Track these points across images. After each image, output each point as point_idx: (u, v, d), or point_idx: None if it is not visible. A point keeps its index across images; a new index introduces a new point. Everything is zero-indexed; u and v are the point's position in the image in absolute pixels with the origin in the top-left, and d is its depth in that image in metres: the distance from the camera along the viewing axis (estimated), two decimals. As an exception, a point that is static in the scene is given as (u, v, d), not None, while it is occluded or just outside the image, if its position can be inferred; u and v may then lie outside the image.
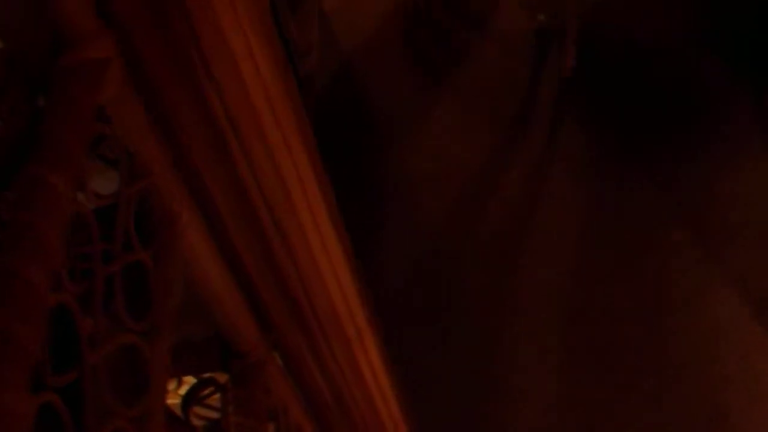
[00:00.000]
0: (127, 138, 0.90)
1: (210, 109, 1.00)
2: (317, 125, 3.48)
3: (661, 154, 3.16)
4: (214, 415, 1.27)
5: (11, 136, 0.83)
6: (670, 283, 2.85)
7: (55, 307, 0.72)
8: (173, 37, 0.92)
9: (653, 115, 3.19)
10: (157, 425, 0.85)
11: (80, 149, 0.78)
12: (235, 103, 1.02)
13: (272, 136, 1.09)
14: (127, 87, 0.90)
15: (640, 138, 3.15)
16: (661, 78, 3.30)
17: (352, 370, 1.39)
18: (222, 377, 1.23)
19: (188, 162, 1.02)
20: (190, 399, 1.18)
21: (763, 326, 2.69)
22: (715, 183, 3.07)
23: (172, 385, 1.28)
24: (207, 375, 1.20)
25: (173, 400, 1.26)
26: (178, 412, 1.22)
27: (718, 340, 2.70)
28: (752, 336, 2.68)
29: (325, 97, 3.59)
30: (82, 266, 0.84)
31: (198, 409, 1.26)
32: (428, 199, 3.25)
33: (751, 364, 2.64)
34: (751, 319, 2.72)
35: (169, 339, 0.91)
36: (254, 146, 1.07)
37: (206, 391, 1.19)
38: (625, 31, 3.60)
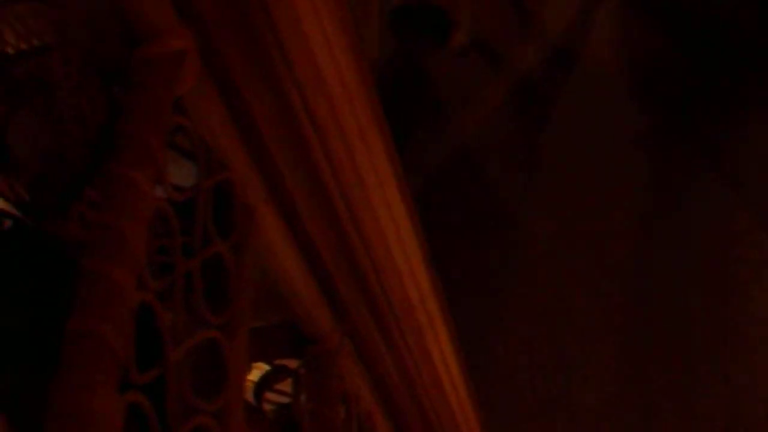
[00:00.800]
0: (204, 131, 0.90)
1: (289, 103, 0.99)
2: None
3: (718, 131, 3.10)
4: (284, 399, 1.28)
5: (91, 130, 0.83)
6: (730, 269, 2.80)
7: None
8: (252, 30, 0.91)
9: (711, 90, 3.12)
10: (237, 419, 0.85)
11: (160, 144, 0.78)
12: (314, 98, 1.01)
13: (350, 132, 1.09)
14: (204, 79, 0.89)
15: (698, 114, 3.09)
16: (716, 43, 3.21)
17: (423, 357, 1.38)
18: (293, 363, 1.23)
19: (266, 155, 1.01)
20: (263, 386, 1.18)
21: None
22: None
23: (245, 372, 1.29)
24: (279, 362, 1.21)
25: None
26: (248, 396, 1.23)
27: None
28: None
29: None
30: (161, 259, 0.84)
31: (268, 394, 1.27)
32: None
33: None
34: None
35: (246, 332, 0.91)
36: (333, 141, 1.07)
37: (280, 377, 1.20)
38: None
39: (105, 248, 0.68)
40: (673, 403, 2.65)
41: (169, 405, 0.74)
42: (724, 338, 2.71)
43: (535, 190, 3.16)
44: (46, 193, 0.80)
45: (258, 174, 1.00)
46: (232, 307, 0.89)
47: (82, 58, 0.82)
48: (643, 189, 2.98)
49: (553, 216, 3.09)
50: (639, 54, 3.37)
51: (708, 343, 2.71)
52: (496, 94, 3.42)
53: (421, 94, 3.54)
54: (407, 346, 1.33)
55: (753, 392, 2.58)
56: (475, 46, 3.26)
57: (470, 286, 2.97)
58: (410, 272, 1.27)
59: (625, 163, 3.05)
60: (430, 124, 3.43)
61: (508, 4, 3.46)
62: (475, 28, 3.26)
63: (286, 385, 1.26)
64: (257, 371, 1.27)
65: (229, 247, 0.92)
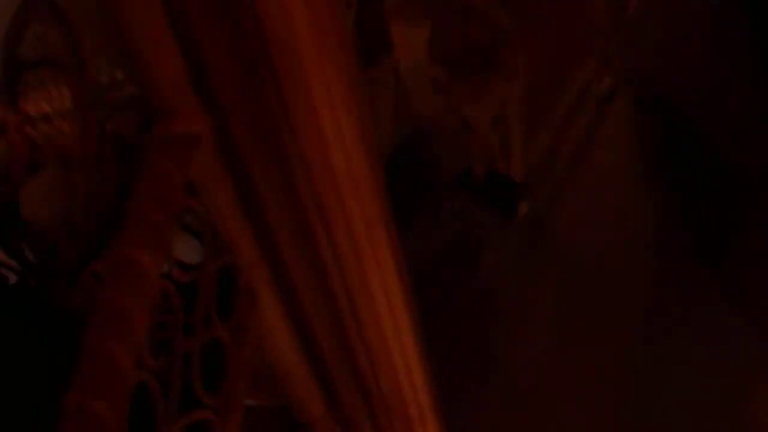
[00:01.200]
0: (213, 214, 0.91)
1: (297, 192, 1.01)
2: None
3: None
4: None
5: (102, 204, 0.84)
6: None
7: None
8: (265, 117, 0.93)
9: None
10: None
11: (169, 226, 0.79)
12: (323, 189, 1.03)
13: (357, 226, 1.09)
14: (217, 163, 0.91)
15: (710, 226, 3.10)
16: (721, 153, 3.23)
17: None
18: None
19: (271, 241, 1.02)
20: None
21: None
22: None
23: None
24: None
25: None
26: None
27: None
28: None
29: (397, 163, 3.62)
30: (160, 335, 0.84)
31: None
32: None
33: None
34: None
35: (240, 415, 0.91)
36: (338, 233, 1.07)
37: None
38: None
39: (107, 326, 0.68)
40: None
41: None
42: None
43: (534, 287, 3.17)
44: (55, 261, 0.81)
45: (262, 259, 1.01)
46: (228, 390, 0.89)
47: (100, 131, 0.84)
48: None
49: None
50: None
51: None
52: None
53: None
54: (396, 436, 1.32)
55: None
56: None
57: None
58: (405, 366, 1.27)
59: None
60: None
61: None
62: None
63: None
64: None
65: (230, 329, 0.92)
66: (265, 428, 1.21)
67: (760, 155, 3.17)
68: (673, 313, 2.84)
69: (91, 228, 0.81)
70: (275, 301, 1.04)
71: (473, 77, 2.84)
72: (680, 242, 3.05)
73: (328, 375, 1.17)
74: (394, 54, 3.87)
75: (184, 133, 0.85)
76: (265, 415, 1.21)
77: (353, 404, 1.23)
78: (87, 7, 0.83)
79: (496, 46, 2.82)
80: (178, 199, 0.82)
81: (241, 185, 0.95)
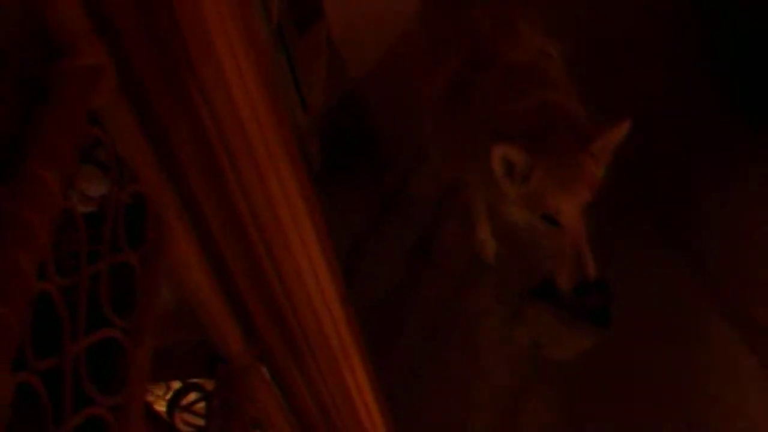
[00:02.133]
0: (118, 143, 0.94)
1: (201, 122, 1.04)
2: (323, 149, 3.50)
3: (665, 191, 3.19)
4: (202, 423, 1.31)
5: (3, 138, 0.87)
6: (668, 317, 2.88)
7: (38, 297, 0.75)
8: (165, 49, 0.96)
9: (658, 152, 3.22)
10: (136, 418, 0.88)
11: (71, 149, 0.82)
12: (225, 120, 1.06)
13: (260, 154, 1.13)
14: (119, 94, 0.94)
15: (645, 174, 3.18)
16: (661, 116, 3.33)
17: (337, 385, 1.41)
18: (210, 385, 1.27)
19: (179, 173, 1.06)
20: (173, 402, 1.21)
21: (759, 357, 2.73)
22: (714, 217, 3.12)
23: (160, 391, 1.31)
24: (193, 381, 1.24)
25: (162, 408, 1.30)
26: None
27: (717, 377, 2.73)
28: (750, 367, 2.71)
29: (332, 123, 3.66)
30: (68, 263, 0.88)
31: (187, 416, 1.30)
32: (423, 216, 3.31)
33: (748, 397, 2.66)
34: (749, 354, 2.76)
35: (151, 340, 0.94)
36: (243, 163, 1.11)
37: (191, 397, 1.23)
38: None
39: (8, 234, 0.72)
40: None
41: (64, 394, 0.77)
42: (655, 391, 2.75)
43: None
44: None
45: (172, 192, 1.05)
46: (138, 313, 0.92)
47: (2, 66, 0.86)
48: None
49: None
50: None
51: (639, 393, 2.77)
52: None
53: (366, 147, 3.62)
54: (320, 371, 1.36)
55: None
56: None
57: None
58: (321, 297, 1.31)
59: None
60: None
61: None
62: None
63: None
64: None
65: (139, 257, 0.96)
66: (184, 364, 1.25)
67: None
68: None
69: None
70: (186, 231, 1.07)
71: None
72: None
73: (244, 307, 1.21)
74: (325, 18, 3.91)
75: (85, 66, 0.88)
76: (184, 352, 1.25)
77: (272, 337, 1.27)
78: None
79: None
80: (81, 127, 0.85)
81: (147, 120, 0.99)
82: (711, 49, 3.70)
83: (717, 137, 3.36)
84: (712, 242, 3.07)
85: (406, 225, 3.33)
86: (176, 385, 1.26)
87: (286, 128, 1.16)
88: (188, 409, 1.29)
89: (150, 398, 1.30)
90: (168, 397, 1.28)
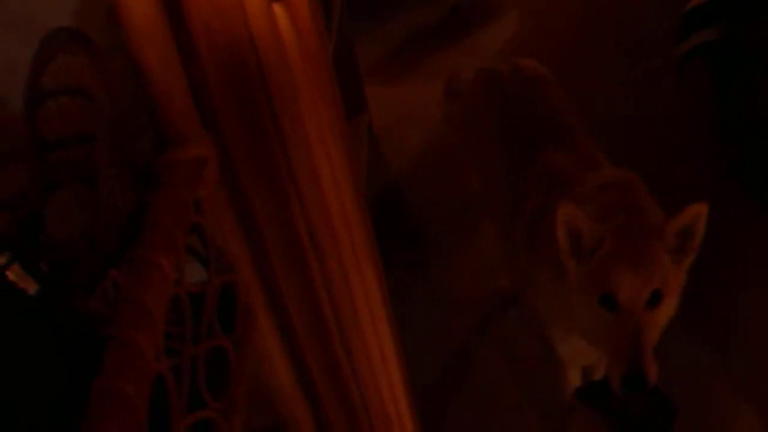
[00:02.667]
0: (217, 233, 0.99)
1: (292, 219, 1.09)
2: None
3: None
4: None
5: (123, 218, 0.92)
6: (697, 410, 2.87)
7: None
8: (264, 147, 1.01)
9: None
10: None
11: (181, 235, 0.86)
12: (316, 218, 1.11)
13: (347, 256, 1.17)
14: (220, 186, 0.99)
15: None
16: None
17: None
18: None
19: (267, 266, 1.10)
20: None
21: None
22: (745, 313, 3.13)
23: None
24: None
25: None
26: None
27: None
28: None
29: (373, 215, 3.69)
30: (170, 345, 0.91)
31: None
32: (460, 319, 3.30)
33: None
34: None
35: (242, 419, 0.97)
36: (330, 262, 1.15)
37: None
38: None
39: (130, 318, 0.75)
40: None
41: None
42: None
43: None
44: (77, 273, 0.87)
45: (259, 280, 1.09)
46: (230, 394, 0.95)
47: (120, 152, 0.92)
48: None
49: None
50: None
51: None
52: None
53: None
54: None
55: None
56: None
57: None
58: (390, 391, 1.34)
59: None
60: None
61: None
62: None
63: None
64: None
65: (232, 342, 0.99)
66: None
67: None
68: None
69: (110, 240, 0.88)
70: (270, 321, 1.10)
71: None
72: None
73: (317, 396, 1.23)
74: (368, 112, 4.00)
75: (192, 157, 0.93)
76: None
77: (341, 426, 1.29)
78: (113, 39, 0.91)
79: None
80: (188, 214, 0.90)
81: (242, 209, 1.03)
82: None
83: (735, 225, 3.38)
84: (742, 339, 3.06)
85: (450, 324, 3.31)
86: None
87: (369, 228, 1.20)
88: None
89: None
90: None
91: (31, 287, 0.91)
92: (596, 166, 2.47)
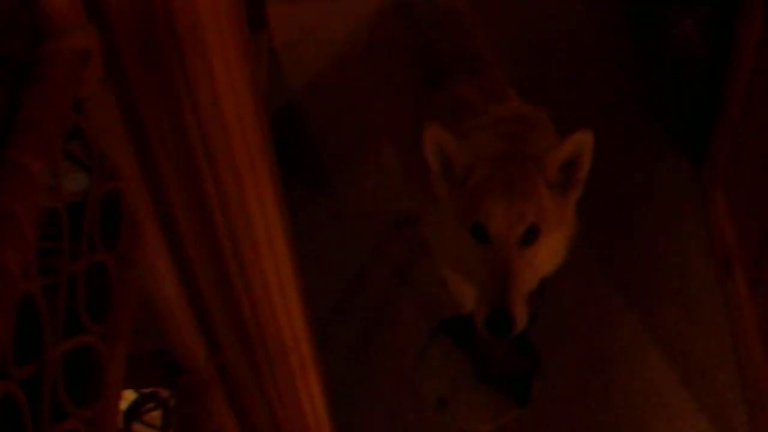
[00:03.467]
0: (100, 137, 0.88)
1: (184, 123, 0.99)
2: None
3: (600, 218, 3.20)
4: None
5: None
6: (602, 344, 2.88)
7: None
8: (157, 48, 0.91)
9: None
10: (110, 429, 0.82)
11: (57, 135, 0.76)
12: (210, 123, 1.01)
13: (241, 163, 1.08)
14: (105, 86, 0.88)
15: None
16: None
17: (293, 401, 1.36)
18: (165, 394, 1.20)
19: (156, 174, 1.00)
20: (132, 412, 1.15)
21: (689, 392, 2.74)
22: (650, 249, 3.14)
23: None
24: (150, 390, 1.17)
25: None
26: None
27: (647, 404, 2.74)
28: (678, 401, 2.73)
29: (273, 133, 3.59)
30: (44, 262, 0.81)
31: (137, 427, 1.23)
32: (357, 240, 3.24)
33: (671, 429, 2.67)
34: (679, 384, 2.77)
35: (126, 344, 0.88)
36: (222, 169, 1.06)
37: (148, 407, 1.16)
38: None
39: (-4, 232, 0.65)
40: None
41: (43, 405, 0.71)
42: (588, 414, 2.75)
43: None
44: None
45: (147, 191, 0.99)
46: (112, 317, 0.86)
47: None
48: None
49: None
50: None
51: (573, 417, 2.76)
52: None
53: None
54: (276, 387, 1.31)
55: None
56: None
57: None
58: (287, 315, 1.26)
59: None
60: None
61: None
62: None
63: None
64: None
65: (114, 258, 0.89)
66: (142, 374, 1.18)
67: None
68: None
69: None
70: (157, 234, 1.01)
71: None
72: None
73: (209, 318, 1.15)
74: (268, 29, 3.85)
75: (72, 49, 0.82)
76: (145, 361, 1.18)
77: (233, 350, 1.21)
78: None
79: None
80: (67, 114, 0.79)
81: (130, 114, 0.93)
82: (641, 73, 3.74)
83: (649, 166, 3.39)
84: (652, 277, 3.08)
85: (342, 247, 3.24)
86: (131, 395, 1.19)
87: (267, 134, 1.11)
88: (140, 418, 1.22)
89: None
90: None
91: None
92: (503, 99, 2.41)
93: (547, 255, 1.98)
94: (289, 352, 1.28)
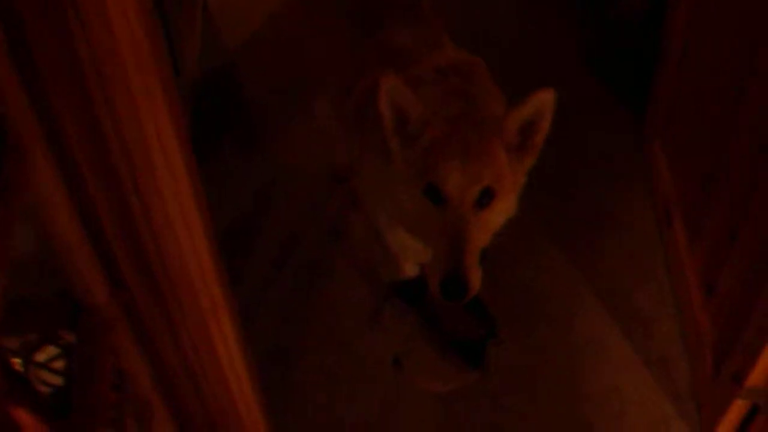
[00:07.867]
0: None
1: (75, 48, 0.95)
2: (193, 120, 3.38)
3: (543, 175, 3.21)
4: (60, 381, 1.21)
5: None
6: (544, 300, 2.89)
7: None
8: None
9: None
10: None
11: None
12: (101, 47, 0.97)
13: (136, 88, 1.04)
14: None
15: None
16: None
17: (205, 343, 1.34)
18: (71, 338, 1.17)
19: (46, 100, 0.96)
20: (27, 354, 1.12)
21: (629, 345, 2.76)
22: (593, 205, 3.16)
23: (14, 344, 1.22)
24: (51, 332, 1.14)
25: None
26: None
27: (593, 357, 2.75)
28: (623, 354, 2.75)
29: (204, 93, 3.55)
30: None
31: (44, 374, 1.20)
32: (290, 201, 3.22)
33: (615, 382, 2.69)
34: (622, 336, 2.79)
35: (2, 284, 0.84)
36: (117, 96, 1.02)
37: (50, 351, 1.13)
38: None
39: None
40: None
41: None
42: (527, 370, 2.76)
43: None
44: None
45: (36, 117, 0.95)
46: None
47: None
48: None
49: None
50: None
51: (513, 373, 2.76)
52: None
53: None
54: (187, 327, 1.28)
55: (550, 429, 2.64)
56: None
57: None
58: (193, 249, 1.23)
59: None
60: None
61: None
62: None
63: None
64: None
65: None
66: (42, 315, 1.15)
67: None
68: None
69: None
70: (49, 164, 0.97)
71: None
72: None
73: (110, 253, 1.12)
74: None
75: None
76: (43, 301, 1.16)
77: (138, 287, 1.19)
78: None
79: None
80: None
81: (11, 29, 0.89)
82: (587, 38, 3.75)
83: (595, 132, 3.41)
84: (591, 232, 3.10)
85: (279, 204, 3.22)
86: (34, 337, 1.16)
87: (165, 64, 1.08)
88: (45, 366, 1.19)
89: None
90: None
91: None
92: (438, 47, 2.38)
93: (501, 217, 1.96)
94: (198, 291, 1.26)
